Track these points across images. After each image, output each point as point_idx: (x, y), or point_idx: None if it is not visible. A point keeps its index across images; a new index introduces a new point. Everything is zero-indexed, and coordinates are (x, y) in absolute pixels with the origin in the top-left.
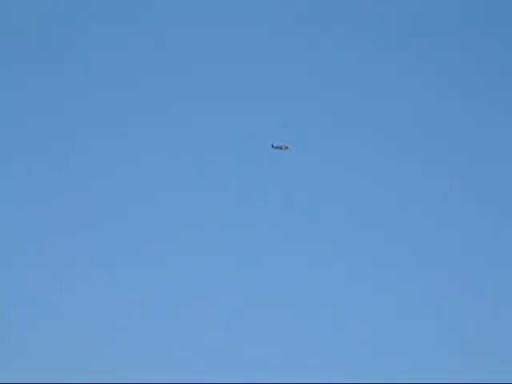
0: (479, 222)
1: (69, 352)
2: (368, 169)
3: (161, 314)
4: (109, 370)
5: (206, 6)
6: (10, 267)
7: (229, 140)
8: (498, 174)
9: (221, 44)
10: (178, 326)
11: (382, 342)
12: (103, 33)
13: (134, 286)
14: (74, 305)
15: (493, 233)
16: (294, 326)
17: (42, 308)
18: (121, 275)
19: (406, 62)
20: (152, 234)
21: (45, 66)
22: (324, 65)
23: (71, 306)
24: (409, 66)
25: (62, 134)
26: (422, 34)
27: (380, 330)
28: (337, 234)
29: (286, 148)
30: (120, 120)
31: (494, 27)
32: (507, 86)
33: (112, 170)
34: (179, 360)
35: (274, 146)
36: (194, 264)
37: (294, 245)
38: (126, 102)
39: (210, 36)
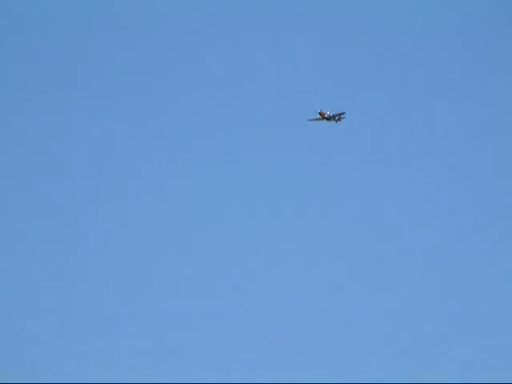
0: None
1: (69, 352)
2: (369, 168)
3: (161, 314)
4: (109, 369)
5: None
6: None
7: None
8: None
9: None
10: (178, 325)
11: (385, 342)
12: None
13: (135, 285)
14: (74, 305)
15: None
16: (295, 327)
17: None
18: (120, 273)
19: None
20: (153, 232)
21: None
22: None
23: (72, 305)
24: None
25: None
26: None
27: (380, 331)
28: (336, 234)
29: (340, 117)
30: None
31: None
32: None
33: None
34: (179, 360)
35: (318, 112)
36: (193, 263)
37: (293, 244)
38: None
39: (211, 36)
